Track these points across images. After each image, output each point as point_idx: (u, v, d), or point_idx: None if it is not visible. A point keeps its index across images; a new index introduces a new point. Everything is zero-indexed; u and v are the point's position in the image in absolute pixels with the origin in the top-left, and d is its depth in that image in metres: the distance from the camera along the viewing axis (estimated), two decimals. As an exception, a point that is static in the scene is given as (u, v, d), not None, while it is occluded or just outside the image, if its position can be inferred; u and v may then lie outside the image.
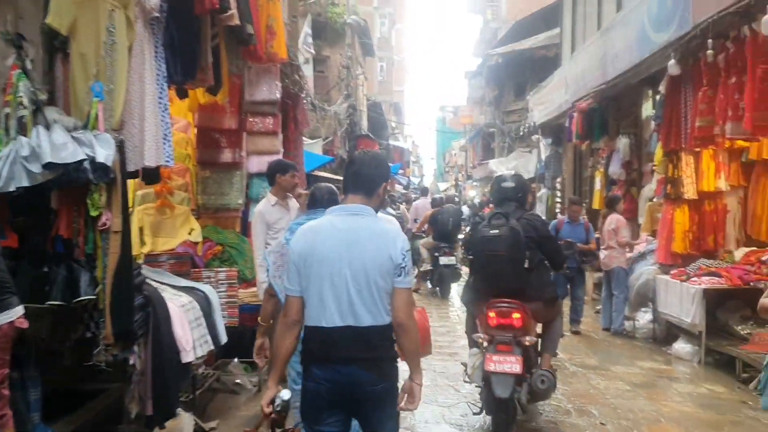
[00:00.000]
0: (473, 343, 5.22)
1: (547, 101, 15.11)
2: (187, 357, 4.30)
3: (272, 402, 2.76)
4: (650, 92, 10.71)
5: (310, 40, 23.61)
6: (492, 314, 4.72)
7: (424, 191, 17.44)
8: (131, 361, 3.79)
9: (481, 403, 4.99)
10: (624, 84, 10.31)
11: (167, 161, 4.24)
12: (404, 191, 29.52)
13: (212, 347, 4.80)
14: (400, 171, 32.24)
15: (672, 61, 7.76)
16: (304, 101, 10.43)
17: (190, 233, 6.23)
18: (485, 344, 4.82)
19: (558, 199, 16.08)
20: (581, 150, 15.10)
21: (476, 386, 5.16)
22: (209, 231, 6.40)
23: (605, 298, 9.04)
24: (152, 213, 6.12)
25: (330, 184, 4.31)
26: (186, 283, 5.08)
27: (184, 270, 5.60)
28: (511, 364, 4.55)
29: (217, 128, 6.59)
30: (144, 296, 3.98)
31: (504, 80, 23.68)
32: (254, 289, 5.82)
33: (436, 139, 63.76)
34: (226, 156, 6.62)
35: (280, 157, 6.86)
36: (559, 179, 16.13)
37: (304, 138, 18.38)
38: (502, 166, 21.38)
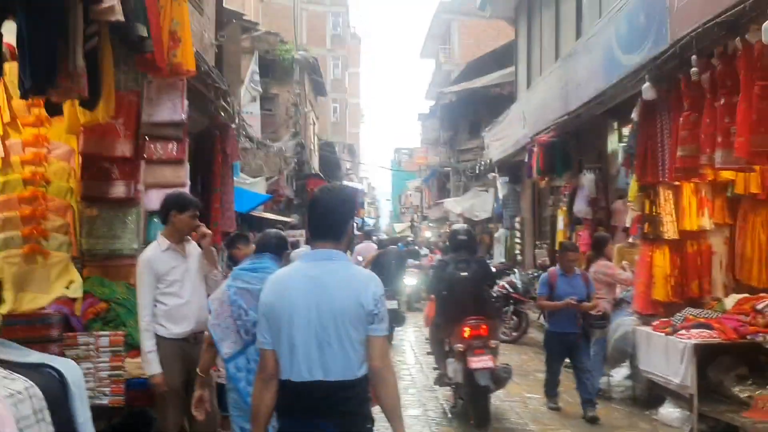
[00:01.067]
0: (444, 357, 6.96)
1: (504, 137, 14.27)
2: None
3: None
4: (615, 124, 9.89)
5: (257, 77, 22.63)
6: (467, 329, 6.40)
7: (367, 234, 16.35)
8: None
9: (453, 401, 7.07)
10: (588, 115, 9.48)
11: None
12: (358, 232, 28.40)
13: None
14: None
15: (646, 84, 6.88)
16: (235, 132, 9.24)
17: (68, 287, 4.92)
18: (464, 351, 6.31)
19: (518, 240, 15.12)
20: (540, 188, 14.26)
21: (453, 386, 6.87)
22: (92, 283, 5.08)
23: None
24: (17, 261, 4.78)
25: (279, 231, 4.39)
26: (37, 357, 3.76)
27: (48, 335, 4.31)
28: (486, 361, 6.25)
29: (108, 156, 5.28)
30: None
31: (458, 119, 22.96)
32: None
33: (392, 180, 63.29)
34: (119, 190, 5.31)
35: (183, 190, 5.60)
36: (518, 218, 15.21)
37: (245, 176, 17.23)
38: (457, 206, 20.50)
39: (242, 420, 3.66)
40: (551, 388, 7.23)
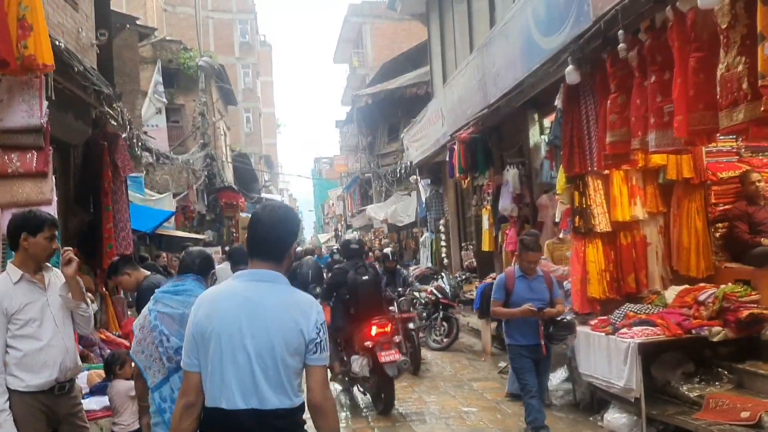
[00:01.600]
0: (339, 357, 7.44)
1: (423, 137, 13.76)
2: None
3: None
4: (536, 116, 9.50)
5: (161, 88, 21.41)
6: (374, 327, 6.93)
7: None
8: None
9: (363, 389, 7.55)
10: (508, 108, 9.02)
11: None
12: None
13: None
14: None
15: (570, 67, 6.42)
16: (126, 142, 8.28)
17: None
18: (373, 347, 6.85)
19: (443, 243, 14.62)
20: (463, 188, 13.82)
21: (352, 381, 7.57)
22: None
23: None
24: None
25: (202, 248, 4.19)
26: None
27: None
28: (394, 354, 6.85)
29: (-56, 172, 4.34)
30: None
31: (376, 122, 22.34)
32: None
33: (314, 190, 62.26)
34: (-39, 212, 4.37)
35: (37, 208, 4.65)
36: (442, 221, 14.72)
37: (151, 193, 16.02)
38: (380, 212, 19.91)
39: None
40: (536, 415, 5.54)
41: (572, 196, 6.81)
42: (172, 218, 16.71)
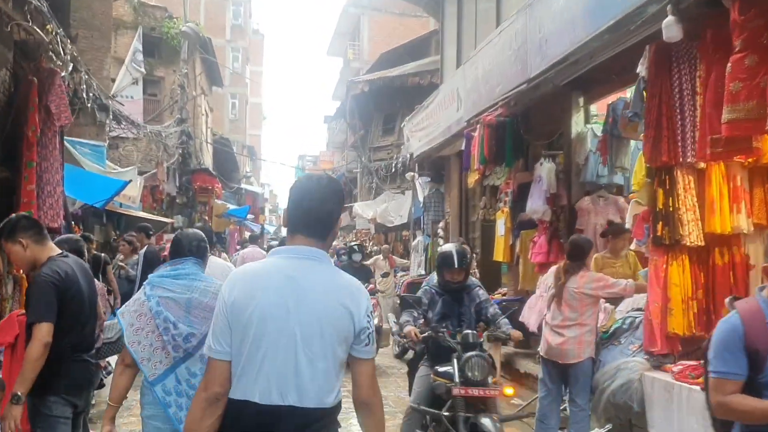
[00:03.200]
0: None
1: (430, 125, 11.95)
2: None
3: None
4: (582, 100, 7.78)
5: (140, 57, 19.50)
6: None
7: (252, 239, 13.75)
8: None
9: None
10: (548, 87, 7.28)
11: None
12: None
13: None
14: (250, 216, 28.11)
15: (670, 19, 4.68)
16: (62, 83, 6.43)
17: None
18: None
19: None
20: (468, 188, 12.10)
21: None
22: None
23: (549, 407, 5.61)
24: None
25: (198, 231, 3.75)
26: None
27: None
28: None
29: None
30: None
31: (371, 113, 20.44)
32: None
33: (295, 187, 60.51)
34: None
35: None
36: (441, 224, 12.92)
37: (112, 165, 14.05)
38: (368, 210, 18.12)
39: None
40: None
41: (654, 195, 5.04)
42: (138, 199, 14.98)
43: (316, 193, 2.28)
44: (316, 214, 2.27)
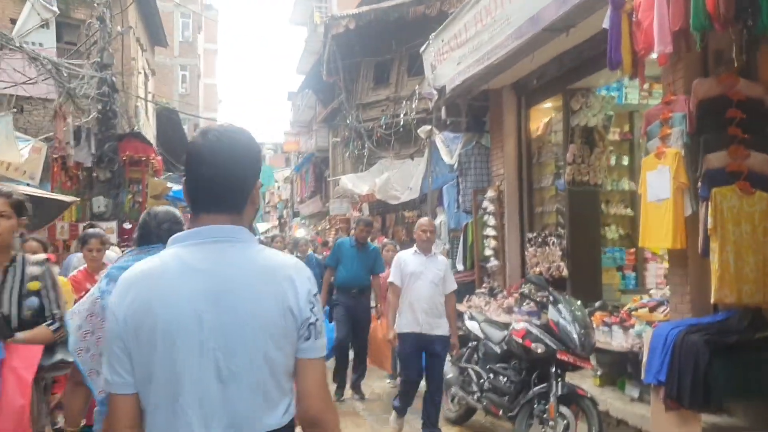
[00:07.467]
0: None
1: (477, 33, 7.41)
2: None
3: None
4: None
5: (51, -8, 14.71)
6: None
7: None
8: None
9: None
10: None
11: None
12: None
13: None
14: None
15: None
16: None
17: None
18: None
19: (492, 232, 8.32)
20: (532, 138, 7.70)
21: None
22: None
23: None
24: None
25: (170, 209, 2.95)
26: None
27: None
28: None
29: None
30: None
31: (357, 61, 15.68)
32: None
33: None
34: None
35: None
36: (489, 194, 8.43)
37: (20, 135, 9.42)
38: (362, 183, 13.53)
39: None
40: None
41: None
42: (38, 172, 10.84)
43: (219, 154, 1.61)
44: (224, 181, 1.62)
